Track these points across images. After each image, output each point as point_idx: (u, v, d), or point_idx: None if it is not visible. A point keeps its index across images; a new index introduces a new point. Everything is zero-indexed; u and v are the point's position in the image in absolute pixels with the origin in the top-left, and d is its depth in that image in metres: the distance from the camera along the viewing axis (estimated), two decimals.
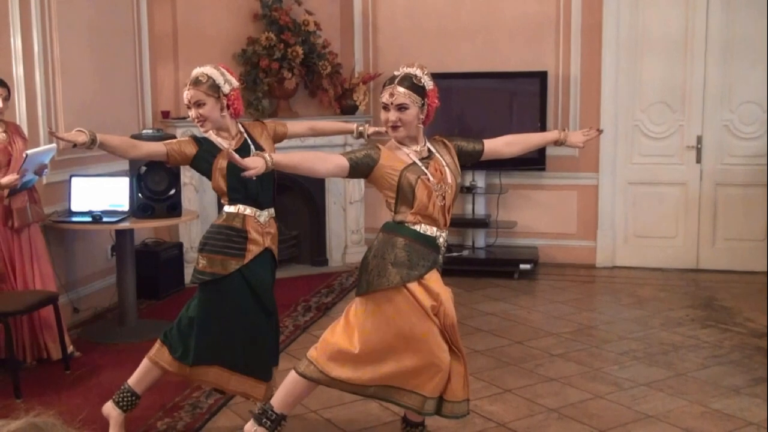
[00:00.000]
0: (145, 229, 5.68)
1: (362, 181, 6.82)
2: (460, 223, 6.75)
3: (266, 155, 2.92)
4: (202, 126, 3.42)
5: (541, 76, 6.53)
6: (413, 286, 3.04)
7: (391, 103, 3.07)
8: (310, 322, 5.25)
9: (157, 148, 3.40)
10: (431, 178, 3.08)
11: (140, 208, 4.91)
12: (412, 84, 3.10)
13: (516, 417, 3.75)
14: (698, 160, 6.51)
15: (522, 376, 4.29)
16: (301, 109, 6.73)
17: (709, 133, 6.45)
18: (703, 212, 6.57)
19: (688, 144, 6.49)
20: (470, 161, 3.39)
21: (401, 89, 3.08)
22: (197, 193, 6.15)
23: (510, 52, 6.68)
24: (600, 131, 3.64)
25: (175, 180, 5.03)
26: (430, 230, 3.11)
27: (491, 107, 6.72)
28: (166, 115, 6.18)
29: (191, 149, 3.40)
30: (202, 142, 3.44)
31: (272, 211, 3.56)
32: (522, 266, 6.38)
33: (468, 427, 3.63)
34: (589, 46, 6.59)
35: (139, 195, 4.91)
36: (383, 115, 3.12)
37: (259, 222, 3.48)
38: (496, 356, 4.61)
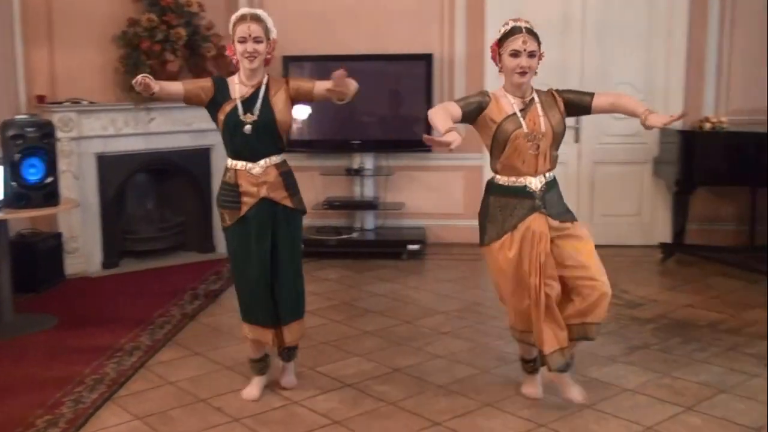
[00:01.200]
0: (21, 219, 5.44)
1: None
2: (348, 205, 6.80)
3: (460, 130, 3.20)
4: (251, 62, 3.53)
5: (427, 59, 6.61)
6: (507, 238, 3.44)
7: (524, 50, 3.35)
8: (198, 310, 5.17)
9: (175, 88, 3.60)
10: (525, 129, 3.38)
11: (14, 198, 4.71)
12: (535, 33, 3.41)
13: (406, 395, 3.81)
14: (576, 140, 6.74)
15: (411, 354, 4.37)
16: None
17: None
18: (582, 190, 6.83)
19: (567, 124, 6.70)
20: (581, 113, 3.64)
21: (531, 37, 3.39)
22: (76, 181, 5.94)
23: (396, 35, 6.73)
24: (684, 114, 3.62)
25: (52, 167, 4.84)
26: (519, 180, 3.45)
27: (379, 89, 6.74)
28: (41, 99, 5.92)
29: (208, 93, 3.58)
30: (218, 88, 3.59)
31: (272, 159, 3.62)
32: (410, 247, 6.48)
33: (358, 407, 3.68)
34: (472, 29, 6.72)
35: (13, 184, 4.70)
36: (512, 61, 3.37)
37: (252, 174, 3.58)
38: (385, 336, 4.67)
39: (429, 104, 6.56)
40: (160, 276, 6.07)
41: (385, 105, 6.76)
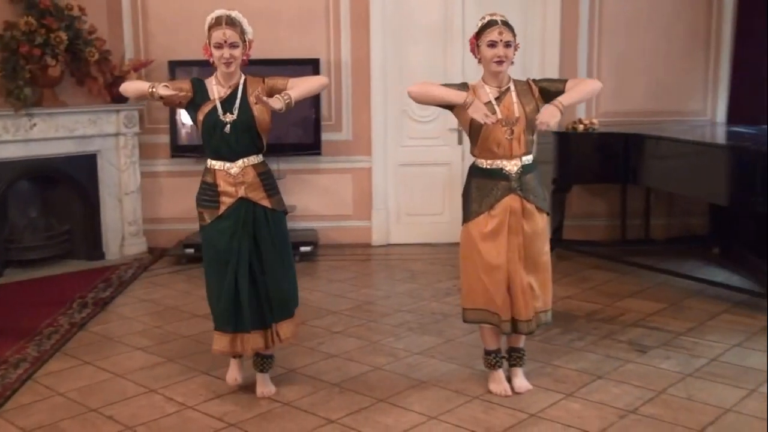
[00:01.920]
0: None
1: (138, 172, 6.61)
2: None
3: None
4: (228, 67, 3.51)
5: (314, 63, 6.60)
6: (483, 217, 3.60)
7: (500, 41, 3.54)
8: (88, 319, 4.99)
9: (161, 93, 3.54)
10: (499, 115, 3.52)
11: None
12: (510, 26, 3.61)
13: (300, 395, 3.81)
14: (460, 142, 6.88)
15: (305, 355, 4.36)
16: (68, 97, 6.34)
17: None
18: None
19: (450, 127, 6.83)
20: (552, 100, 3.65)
21: (507, 28, 3.58)
22: None
23: (285, 41, 6.68)
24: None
25: None
26: (496, 163, 3.60)
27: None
28: None
29: (187, 94, 3.54)
30: (197, 89, 3.56)
31: (250, 159, 3.61)
32: (302, 248, 6.45)
33: (253, 410, 3.65)
34: (357, 34, 6.76)
35: None
36: (489, 51, 3.55)
37: (230, 174, 3.56)
38: None
39: (317, 108, 6.58)
40: (47, 285, 5.83)
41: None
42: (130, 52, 6.69)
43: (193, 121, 3.64)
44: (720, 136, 6.17)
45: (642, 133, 5.78)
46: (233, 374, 3.87)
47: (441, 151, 6.94)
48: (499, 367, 3.84)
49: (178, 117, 6.60)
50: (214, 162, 3.61)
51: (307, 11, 6.74)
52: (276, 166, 6.70)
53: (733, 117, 6.67)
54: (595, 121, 6.38)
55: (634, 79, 6.78)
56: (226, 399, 3.78)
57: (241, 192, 3.57)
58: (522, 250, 3.63)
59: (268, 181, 3.66)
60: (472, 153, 3.72)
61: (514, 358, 3.86)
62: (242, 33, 3.54)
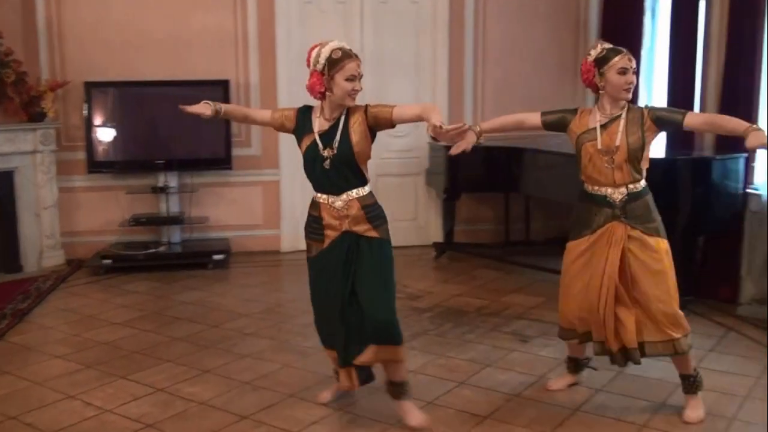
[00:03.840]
0: None
1: (55, 187, 6.32)
2: (154, 221, 6.53)
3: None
4: (354, 100, 3.20)
5: (224, 84, 6.49)
6: (584, 240, 3.39)
7: (631, 68, 3.29)
8: (6, 329, 4.73)
9: (264, 116, 3.43)
10: (599, 145, 3.30)
11: None
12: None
13: (215, 394, 3.72)
14: None
15: (219, 356, 4.27)
16: None
17: None
18: None
19: None
20: (670, 129, 3.48)
21: (632, 56, 3.32)
22: None
23: (196, 62, 6.55)
24: None
25: None
26: (601, 190, 3.36)
27: (180, 113, 6.51)
28: None
29: (290, 124, 3.33)
30: (300, 119, 3.30)
31: (355, 192, 3.25)
32: (215, 257, 6.33)
33: (170, 410, 3.55)
34: (265, 58, 6.69)
35: None
36: (621, 78, 3.28)
37: (335, 207, 3.23)
38: (194, 341, 4.53)
39: (227, 126, 6.46)
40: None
41: (188, 127, 6.53)
42: (46, 73, 6.41)
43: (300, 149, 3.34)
44: None
45: (521, 147, 5.93)
46: (324, 394, 3.64)
47: None
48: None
49: (94, 135, 6.38)
50: (319, 195, 3.28)
51: (216, 35, 6.62)
52: (189, 179, 6.58)
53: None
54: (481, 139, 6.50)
55: (513, 100, 6.93)
56: (144, 401, 3.66)
57: (345, 225, 3.23)
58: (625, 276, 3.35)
59: (373, 212, 3.28)
60: (581, 177, 3.46)
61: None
62: None
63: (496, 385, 3.78)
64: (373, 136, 3.26)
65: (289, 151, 6.76)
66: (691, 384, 3.41)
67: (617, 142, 3.28)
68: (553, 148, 5.58)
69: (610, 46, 3.37)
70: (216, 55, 6.62)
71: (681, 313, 3.35)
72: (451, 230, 6.76)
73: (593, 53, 3.37)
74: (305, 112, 3.31)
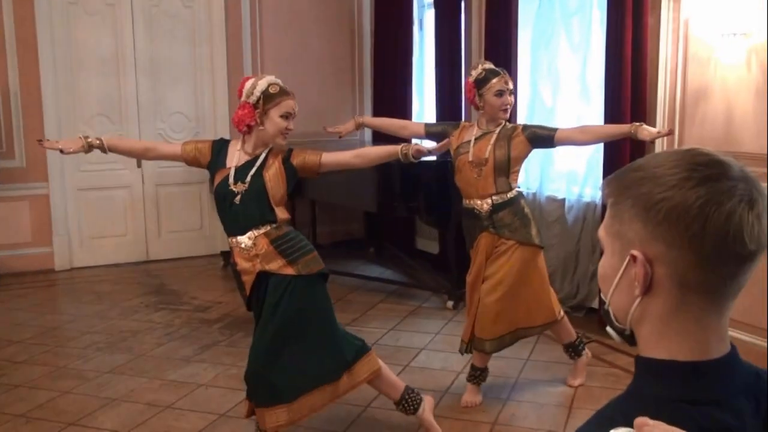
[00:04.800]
0: None
1: None
2: None
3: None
4: (285, 139, 2.99)
5: None
6: (473, 253, 3.54)
7: (507, 90, 3.39)
8: None
9: (173, 150, 3.10)
10: (470, 157, 3.42)
11: None
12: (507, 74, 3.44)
13: None
14: (139, 165, 6.57)
15: None
16: None
17: (147, 140, 6.57)
18: (148, 210, 6.71)
19: None
20: (544, 145, 3.49)
21: (508, 77, 3.42)
22: None
23: None
24: (671, 132, 3.36)
25: None
26: (471, 202, 3.48)
27: None
28: None
29: (205, 159, 3.06)
30: (215, 152, 3.04)
31: (262, 228, 2.95)
32: None
33: None
34: (26, 62, 6.16)
35: None
36: (497, 100, 3.39)
37: (242, 248, 2.95)
38: None
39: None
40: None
41: None
42: None
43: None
44: None
45: None
46: None
47: (121, 175, 6.57)
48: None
49: None
50: (230, 239, 3.00)
51: None
52: None
53: (376, 136, 7.20)
54: None
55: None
56: None
57: (258, 265, 2.94)
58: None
59: (284, 246, 2.96)
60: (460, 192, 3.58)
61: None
62: None
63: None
64: (294, 181, 3.07)
65: (58, 162, 6.30)
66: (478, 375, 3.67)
67: (486, 155, 3.41)
68: None
69: (490, 67, 3.47)
70: None
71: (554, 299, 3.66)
72: None
73: (474, 74, 3.48)
74: (222, 146, 3.08)
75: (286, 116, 2.97)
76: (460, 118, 5.69)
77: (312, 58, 7.06)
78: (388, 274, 6.07)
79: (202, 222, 6.94)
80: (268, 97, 2.95)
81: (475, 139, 3.46)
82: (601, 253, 1.03)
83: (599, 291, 1.06)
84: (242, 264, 2.98)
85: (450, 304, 5.11)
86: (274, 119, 2.95)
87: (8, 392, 3.83)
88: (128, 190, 6.65)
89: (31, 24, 6.13)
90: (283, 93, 2.98)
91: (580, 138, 3.45)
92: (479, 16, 5.56)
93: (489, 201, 3.44)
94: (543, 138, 3.42)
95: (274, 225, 2.98)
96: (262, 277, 2.96)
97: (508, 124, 3.51)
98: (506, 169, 3.43)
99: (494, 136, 3.44)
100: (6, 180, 6.12)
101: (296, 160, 3.03)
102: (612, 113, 4.35)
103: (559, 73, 5.02)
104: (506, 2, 5.22)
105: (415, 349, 4.36)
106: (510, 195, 3.46)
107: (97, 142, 3.03)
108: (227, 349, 4.43)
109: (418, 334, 4.64)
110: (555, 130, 3.44)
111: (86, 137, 3.03)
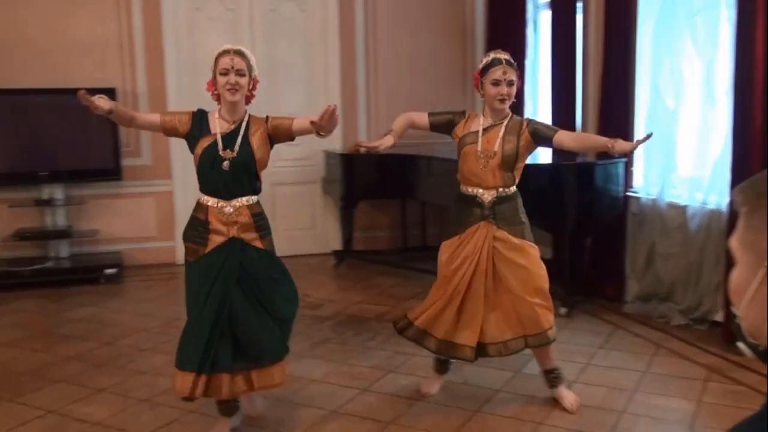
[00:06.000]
0: None
1: None
2: (40, 236, 6.21)
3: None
4: (233, 95, 3.14)
5: (110, 92, 6.20)
6: (456, 239, 3.48)
7: (504, 80, 3.37)
8: None
9: (152, 119, 3.27)
10: (479, 147, 3.41)
11: None
12: (513, 65, 3.43)
13: (111, 414, 3.58)
14: None
15: (114, 374, 4.11)
16: None
17: None
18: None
19: None
20: (544, 144, 3.52)
21: (511, 68, 3.39)
22: None
23: (80, 70, 6.27)
24: (649, 136, 3.28)
25: None
26: (473, 190, 3.47)
27: (65, 122, 6.23)
28: None
29: (184, 127, 3.22)
30: (196, 122, 3.22)
31: (245, 200, 3.21)
32: (107, 271, 6.08)
33: None
34: (152, 66, 6.50)
35: None
36: (493, 89, 3.39)
37: (223, 213, 3.17)
38: (87, 360, 4.33)
39: (115, 135, 6.23)
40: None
41: (73, 137, 6.28)
42: None
43: (192, 152, 3.23)
44: None
45: (415, 154, 6.03)
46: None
47: None
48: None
49: None
50: (207, 198, 3.20)
51: (101, 42, 6.37)
52: (77, 191, 6.31)
53: None
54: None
55: (405, 107, 6.97)
56: (34, 424, 3.47)
57: (233, 232, 3.17)
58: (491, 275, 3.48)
59: (261, 222, 3.26)
60: (458, 178, 3.58)
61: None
62: (249, 66, 3.19)
63: (398, 391, 3.82)
64: (271, 147, 3.30)
65: (182, 160, 6.59)
66: (558, 375, 3.62)
67: (495, 148, 3.43)
68: (446, 155, 5.70)
69: (498, 56, 3.45)
70: (101, 63, 6.38)
71: (549, 306, 3.53)
72: (350, 238, 6.77)
73: (483, 62, 3.50)
74: (201, 116, 3.27)
75: (224, 72, 3.14)
76: (574, 123, 5.57)
77: (423, 59, 7.08)
78: None
79: (315, 221, 7.09)
80: (214, 62, 3.19)
81: (484, 129, 3.48)
82: (732, 264, 0.98)
83: (728, 303, 1.01)
84: (216, 225, 3.18)
85: (563, 311, 4.99)
86: (218, 78, 3.16)
87: (134, 378, 4.05)
88: None
89: (158, 30, 6.46)
90: (224, 53, 3.18)
91: (572, 146, 3.49)
92: (597, 17, 5.41)
93: (494, 193, 3.46)
94: (544, 137, 3.47)
95: (257, 196, 3.27)
96: (237, 243, 3.17)
97: (514, 117, 3.52)
98: (513, 163, 3.46)
99: (502, 129, 3.46)
100: (133, 177, 6.47)
101: (271, 125, 3.26)
102: (741, 120, 4.15)
103: (683, 75, 4.82)
104: (626, 2, 5.07)
105: (526, 356, 4.29)
106: (512, 190, 3.51)
107: (115, 106, 3.19)
108: (339, 347, 4.51)
109: None
110: (555, 131, 3.46)
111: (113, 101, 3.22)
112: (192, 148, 3.24)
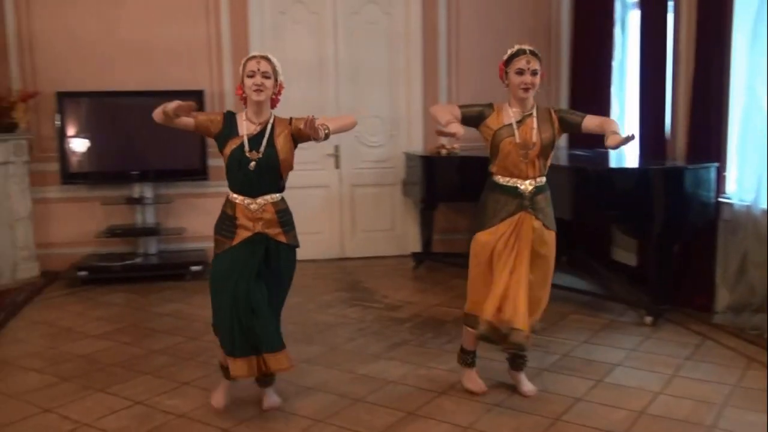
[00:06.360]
0: None
1: (29, 198, 6.22)
2: (130, 232, 6.45)
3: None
4: (258, 95, 3.35)
5: (198, 95, 6.44)
6: (494, 229, 3.51)
7: (528, 69, 3.45)
8: None
9: (188, 120, 3.39)
10: (517, 139, 3.47)
11: None
12: (537, 55, 3.50)
13: (195, 407, 3.68)
14: (337, 166, 6.90)
15: (198, 368, 4.22)
16: None
17: (344, 143, 6.84)
18: (344, 209, 7.00)
19: (327, 152, 6.84)
20: (572, 131, 3.63)
21: (534, 57, 3.46)
22: None
23: (170, 72, 6.50)
24: (631, 137, 3.31)
25: None
26: (512, 181, 3.52)
27: (156, 124, 6.42)
28: None
29: (217, 127, 3.42)
30: (227, 123, 3.42)
31: (270, 197, 3.44)
32: (192, 268, 6.27)
33: (149, 423, 3.50)
34: (239, 69, 6.60)
35: None
36: (517, 78, 3.48)
37: (249, 209, 3.40)
38: (173, 353, 4.48)
39: (203, 138, 6.40)
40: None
41: (163, 138, 6.47)
42: (17, 83, 6.32)
43: (220, 152, 3.45)
44: (563, 159, 6.45)
45: None
46: (219, 398, 3.64)
47: (320, 175, 6.91)
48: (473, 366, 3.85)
49: (67, 146, 6.29)
50: (235, 195, 3.43)
51: (190, 45, 6.58)
52: (165, 190, 6.53)
53: (571, 142, 7.00)
54: (456, 146, 6.54)
55: None
56: (122, 414, 3.60)
57: (259, 227, 3.41)
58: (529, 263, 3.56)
59: (285, 218, 3.48)
60: (491, 170, 3.63)
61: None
62: (275, 70, 3.40)
63: (476, 395, 3.78)
64: (295, 146, 3.48)
65: None
66: (524, 361, 3.78)
67: (534, 139, 3.50)
68: None
69: (522, 47, 3.54)
70: (190, 66, 6.59)
71: (546, 298, 3.70)
72: (429, 240, 6.76)
73: (508, 53, 3.58)
74: (231, 117, 3.46)
75: (251, 75, 3.33)
76: (664, 126, 5.40)
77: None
78: (581, 285, 5.86)
79: (394, 223, 7.11)
80: (243, 67, 3.39)
81: (517, 122, 3.53)
82: None
83: None
84: (243, 221, 3.40)
85: (648, 320, 4.84)
86: (245, 81, 3.36)
87: (217, 372, 4.12)
88: (326, 189, 6.97)
89: (244, 33, 6.62)
90: (251, 57, 3.39)
91: (597, 131, 3.47)
92: (689, 16, 5.21)
93: (533, 182, 3.53)
94: (571, 124, 3.54)
95: (281, 194, 3.46)
96: (263, 237, 3.39)
97: (540, 106, 3.58)
98: (549, 151, 3.53)
99: (535, 120, 3.53)
100: (219, 177, 6.57)
101: (294, 126, 3.43)
102: None
103: None
104: (721, 0, 4.87)
105: (608, 364, 4.18)
106: (545, 179, 3.60)
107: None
108: (417, 349, 4.50)
109: (613, 349, 4.45)
110: (583, 117, 3.52)
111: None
112: (221, 148, 3.44)
